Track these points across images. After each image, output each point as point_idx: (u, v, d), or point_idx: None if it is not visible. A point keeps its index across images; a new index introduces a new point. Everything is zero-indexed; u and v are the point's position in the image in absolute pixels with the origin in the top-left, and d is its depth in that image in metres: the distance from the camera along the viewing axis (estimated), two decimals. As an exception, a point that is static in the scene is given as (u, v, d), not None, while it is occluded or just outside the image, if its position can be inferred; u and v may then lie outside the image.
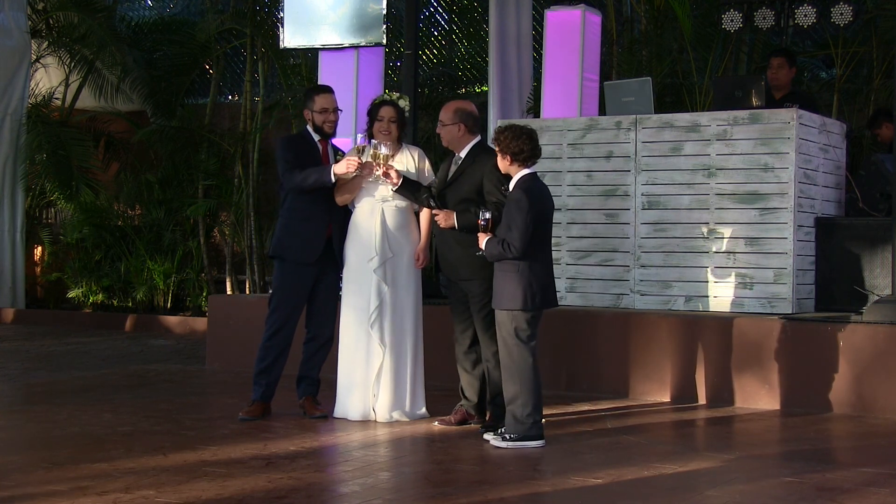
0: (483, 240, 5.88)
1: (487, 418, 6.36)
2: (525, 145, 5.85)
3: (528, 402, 5.81)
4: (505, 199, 5.95)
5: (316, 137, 6.72)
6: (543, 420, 5.95)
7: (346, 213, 6.65)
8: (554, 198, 8.01)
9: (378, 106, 6.53)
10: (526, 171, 5.90)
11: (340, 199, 6.57)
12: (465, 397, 6.46)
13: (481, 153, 6.27)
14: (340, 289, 6.80)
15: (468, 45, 15.01)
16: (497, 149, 5.92)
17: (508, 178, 5.98)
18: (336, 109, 6.72)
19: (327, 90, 6.83)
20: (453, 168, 6.32)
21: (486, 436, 6.01)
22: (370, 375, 6.45)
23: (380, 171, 6.30)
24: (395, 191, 6.38)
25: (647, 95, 8.24)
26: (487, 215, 5.89)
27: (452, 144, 6.33)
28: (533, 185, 5.89)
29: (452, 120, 6.29)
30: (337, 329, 6.69)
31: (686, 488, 5.04)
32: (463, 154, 6.30)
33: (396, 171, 6.35)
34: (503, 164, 5.92)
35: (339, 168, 6.41)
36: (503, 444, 5.82)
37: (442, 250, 6.33)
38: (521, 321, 5.83)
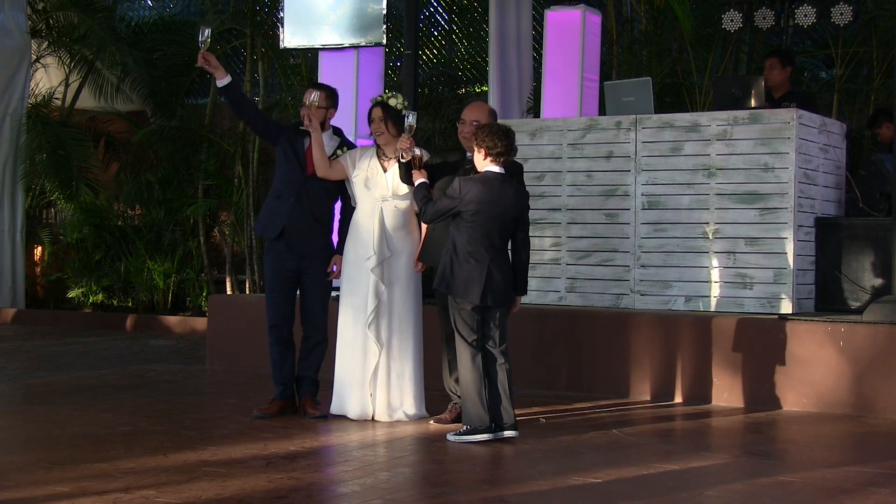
0: (417, 177, 6.14)
1: None
2: (499, 141, 5.96)
3: (469, 391, 5.93)
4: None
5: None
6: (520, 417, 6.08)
7: (340, 210, 6.72)
8: (554, 198, 8.13)
9: (370, 109, 6.56)
10: (491, 168, 5.99)
11: (318, 172, 6.58)
12: (458, 395, 6.49)
13: None
14: (333, 286, 6.81)
15: (468, 45, 15.02)
16: (474, 144, 6.04)
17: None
18: (310, 104, 6.60)
19: (311, 86, 6.94)
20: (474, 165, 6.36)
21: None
22: (367, 375, 6.46)
23: (406, 142, 6.21)
24: (402, 162, 6.28)
25: (647, 95, 8.24)
26: (418, 152, 6.13)
27: None
28: (481, 182, 5.95)
29: (489, 119, 6.40)
30: (333, 328, 6.70)
31: (686, 488, 5.04)
32: None
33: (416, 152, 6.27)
34: (478, 158, 6.03)
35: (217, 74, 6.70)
36: (451, 438, 5.92)
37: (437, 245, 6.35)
38: (452, 302, 5.99)
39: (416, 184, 6.14)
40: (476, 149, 6.03)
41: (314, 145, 6.53)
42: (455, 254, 5.96)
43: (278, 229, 6.63)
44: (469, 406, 5.93)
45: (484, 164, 6.01)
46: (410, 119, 6.21)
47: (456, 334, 6.01)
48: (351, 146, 6.81)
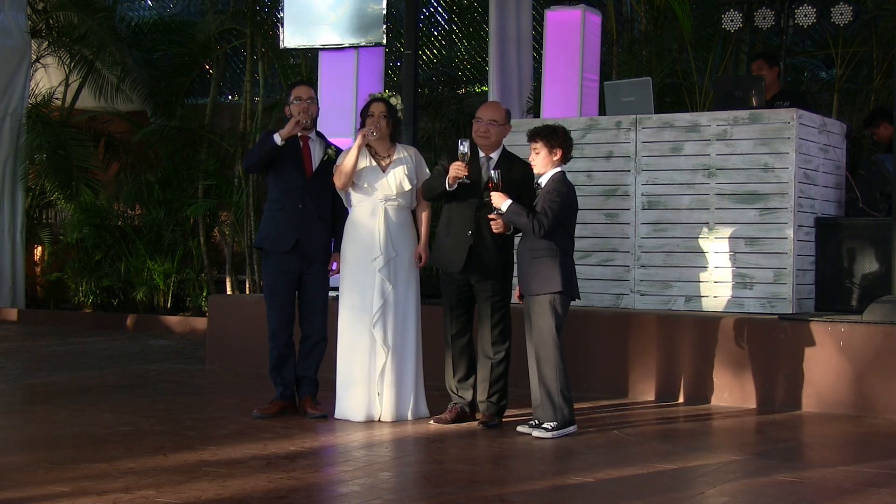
0: (503, 200, 6.07)
1: (479, 415, 6.43)
2: (571, 142, 6.22)
3: (563, 388, 6.01)
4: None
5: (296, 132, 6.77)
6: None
7: (332, 207, 6.70)
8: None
9: (369, 103, 6.57)
10: (560, 169, 6.17)
11: (339, 184, 6.56)
12: (459, 395, 6.50)
13: (512, 156, 6.47)
14: (331, 286, 6.81)
15: (468, 45, 15.02)
16: (544, 144, 6.10)
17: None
18: (310, 99, 6.73)
19: (302, 82, 7.02)
20: (488, 166, 6.37)
21: (521, 428, 6.16)
22: (374, 375, 6.45)
23: (464, 171, 6.23)
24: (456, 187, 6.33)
25: (647, 95, 8.24)
26: (495, 175, 6.13)
27: (495, 144, 6.44)
28: (568, 181, 6.21)
29: (505, 120, 6.46)
30: (331, 328, 6.69)
31: (685, 488, 5.04)
32: (495, 156, 6.43)
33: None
34: (547, 159, 6.13)
35: (286, 130, 6.54)
36: (548, 435, 5.99)
37: (478, 248, 6.33)
38: (558, 305, 6.03)
39: (504, 207, 6.08)
40: (549, 150, 6.10)
41: (353, 160, 6.44)
42: (563, 255, 6.07)
43: (291, 242, 6.62)
44: (567, 400, 6.05)
45: (553, 163, 6.13)
46: (463, 147, 6.23)
47: (552, 329, 6.02)
48: (334, 147, 6.81)
